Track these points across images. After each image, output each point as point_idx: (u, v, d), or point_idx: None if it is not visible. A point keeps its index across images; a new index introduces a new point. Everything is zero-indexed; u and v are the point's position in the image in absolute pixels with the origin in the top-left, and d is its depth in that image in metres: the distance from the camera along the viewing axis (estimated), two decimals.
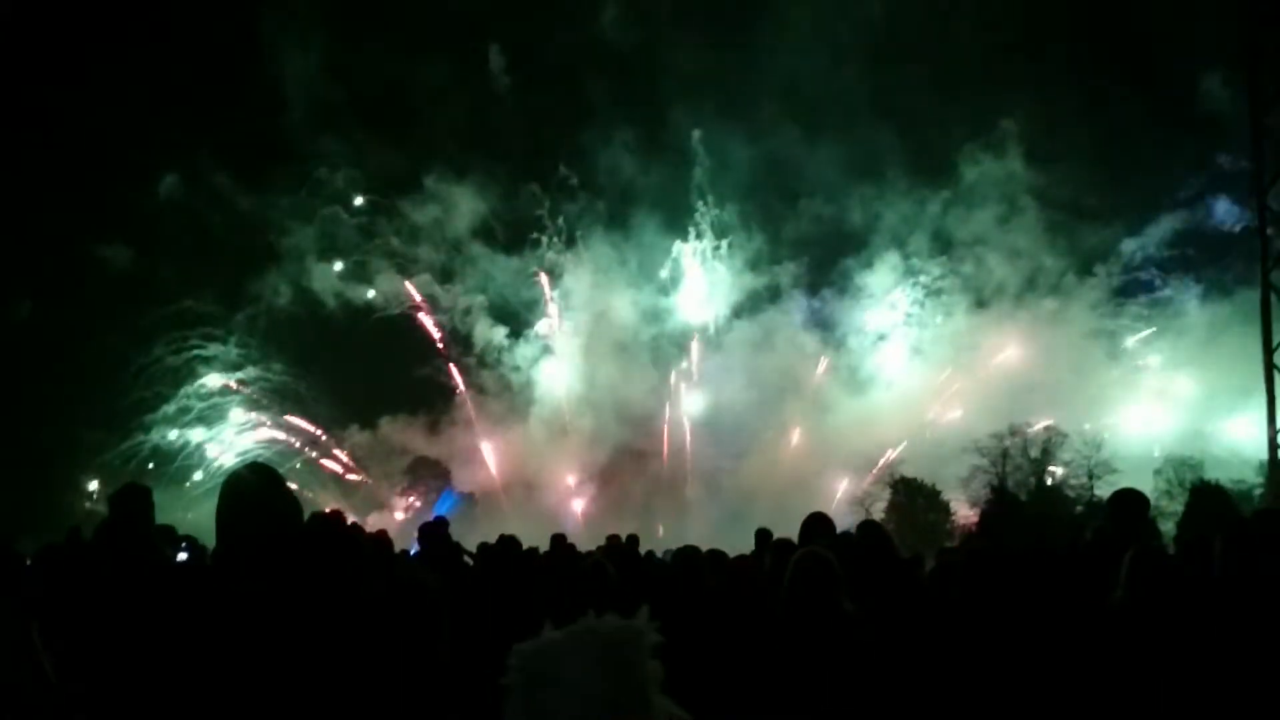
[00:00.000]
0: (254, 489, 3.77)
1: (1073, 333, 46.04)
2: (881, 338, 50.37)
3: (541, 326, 52.59)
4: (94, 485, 45.68)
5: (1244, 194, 15.57)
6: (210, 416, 49.11)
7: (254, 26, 47.90)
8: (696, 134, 51.70)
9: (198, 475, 47.37)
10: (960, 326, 48.54)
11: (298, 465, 48.99)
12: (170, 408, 48.17)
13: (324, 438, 50.33)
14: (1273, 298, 18.75)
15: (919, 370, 48.99)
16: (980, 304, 48.41)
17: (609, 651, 1.84)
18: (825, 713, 4.52)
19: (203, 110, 46.24)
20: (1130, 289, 46.87)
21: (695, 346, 52.37)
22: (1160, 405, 44.10)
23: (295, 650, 3.49)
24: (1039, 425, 41.91)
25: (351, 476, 50.60)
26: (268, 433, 49.82)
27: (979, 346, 47.11)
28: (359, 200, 51.87)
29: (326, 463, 50.40)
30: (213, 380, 48.95)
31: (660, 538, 37.73)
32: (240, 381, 49.60)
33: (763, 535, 10.65)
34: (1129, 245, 46.01)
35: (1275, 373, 14.40)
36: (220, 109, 46.77)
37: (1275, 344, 14.61)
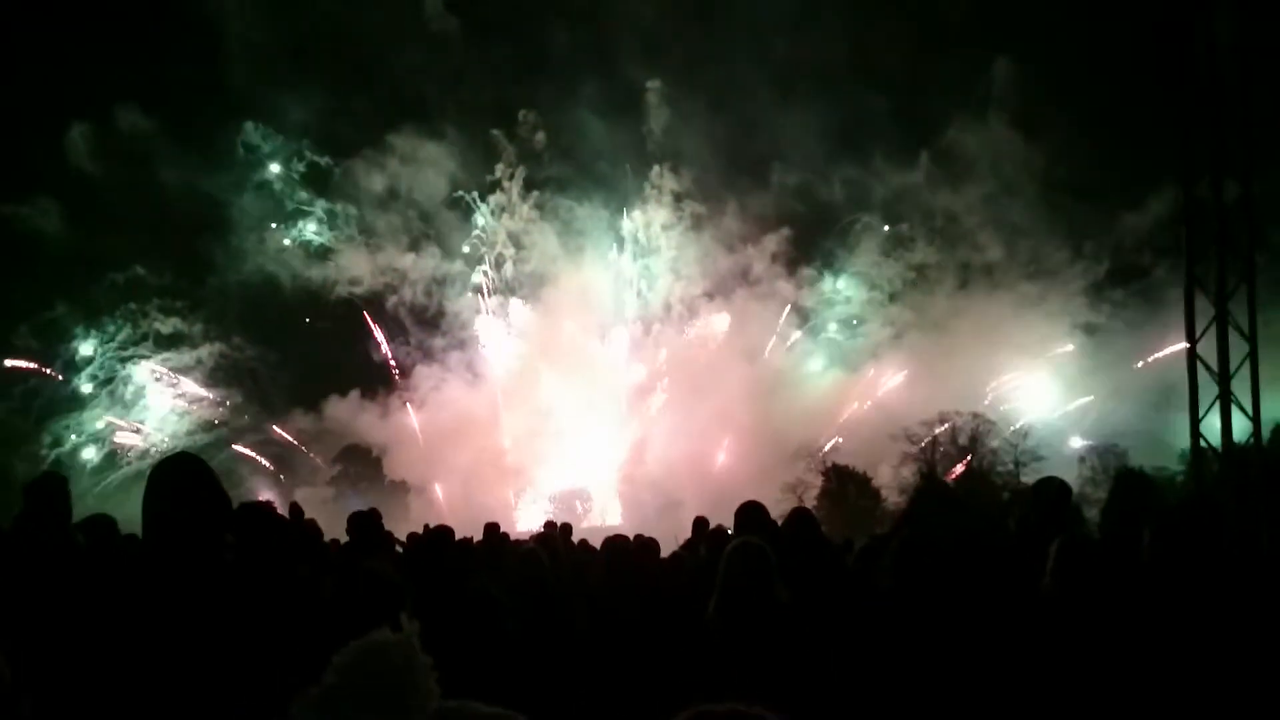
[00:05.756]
0: (181, 478, 3.72)
1: (1041, 320, 45.12)
2: (848, 323, 49.96)
3: (490, 305, 51.32)
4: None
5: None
6: (148, 396, 47.59)
7: None
8: (654, 85, 48.81)
9: (129, 461, 46.08)
10: (935, 309, 47.54)
11: (233, 448, 47.49)
12: (121, 389, 46.72)
13: (264, 421, 48.83)
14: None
15: (884, 356, 48.29)
16: (962, 286, 47.60)
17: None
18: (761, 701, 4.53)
19: (127, 57, 43.49)
20: (1116, 274, 44.88)
21: (636, 325, 51.41)
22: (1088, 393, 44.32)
23: (223, 637, 3.44)
24: (968, 413, 42.37)
25: (285, 460, 49.27)
26: (205, 413, 48.37)
27: (942, 329, 46.26)
28: (305, 161, 49.60)
29: (262, 446, 48.88)
30: (145, 368, 47.40)
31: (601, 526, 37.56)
32: (197, 361, 47.92)
33: (699, 523, 10.70)
34: (1120, 224, 44.07)
35: (1197, 362, 14.78)
36: (147, 56, 44.12)
37: (1198, 335, 14.96)
